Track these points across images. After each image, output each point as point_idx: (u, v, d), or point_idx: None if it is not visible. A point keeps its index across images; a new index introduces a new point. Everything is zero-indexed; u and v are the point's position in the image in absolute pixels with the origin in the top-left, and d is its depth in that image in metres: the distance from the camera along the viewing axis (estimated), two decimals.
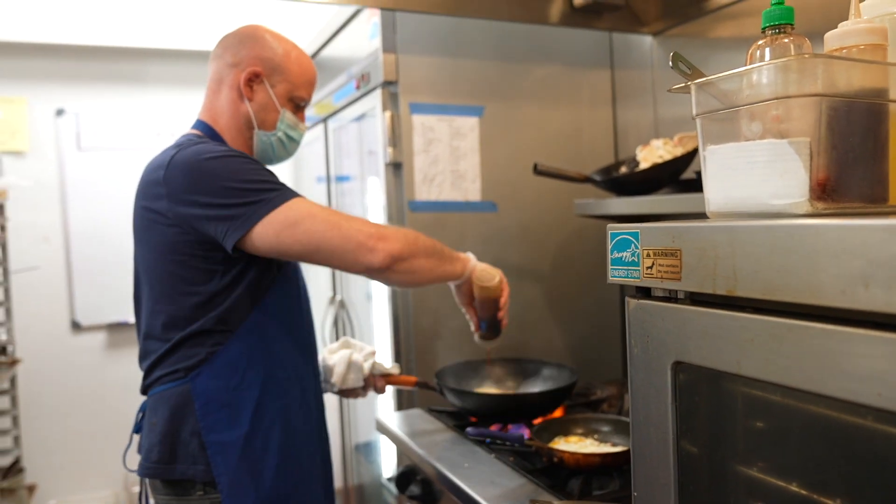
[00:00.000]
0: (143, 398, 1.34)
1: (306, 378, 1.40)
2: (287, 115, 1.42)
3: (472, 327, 1.55)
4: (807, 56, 0.65)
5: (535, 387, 1.70)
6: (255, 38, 1.41)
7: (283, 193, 1.22)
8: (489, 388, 1.71)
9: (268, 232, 1.18)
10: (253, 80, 1.38)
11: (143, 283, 1.33)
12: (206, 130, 1.40)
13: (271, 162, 1.46)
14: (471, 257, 1.47)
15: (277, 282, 1.35)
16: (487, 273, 1.47)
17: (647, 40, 1.97)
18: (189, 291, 1.25)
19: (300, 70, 1.42)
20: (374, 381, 1.54)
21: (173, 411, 1.24)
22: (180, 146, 1.29)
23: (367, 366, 1.51)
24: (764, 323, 0.58)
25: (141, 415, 1.34)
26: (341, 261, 1.22)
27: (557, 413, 1.59)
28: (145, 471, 1.27)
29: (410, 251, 1.25)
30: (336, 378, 1.49)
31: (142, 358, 1.34)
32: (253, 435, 1.26)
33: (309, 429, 1.38)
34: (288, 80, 1.40)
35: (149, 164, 1.35)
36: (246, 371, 1.27)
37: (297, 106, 1.44)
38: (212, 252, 1.24)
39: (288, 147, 1.46)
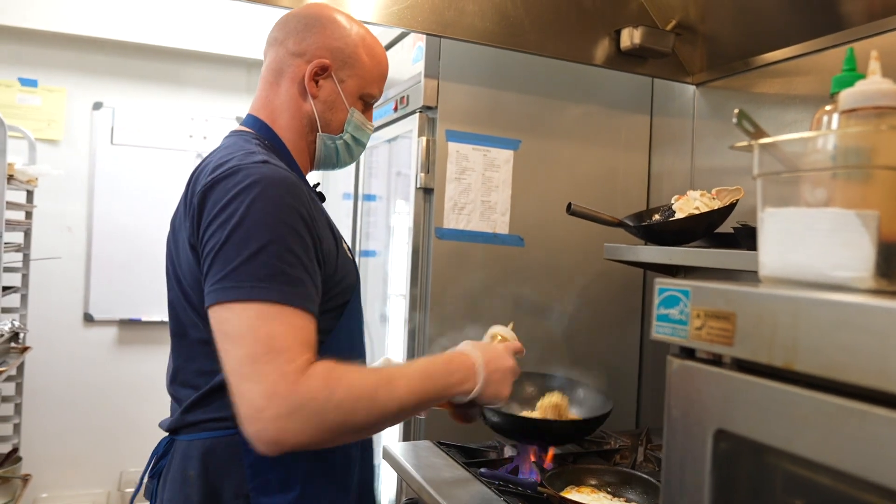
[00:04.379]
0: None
1: None
2: (356, 116, 1.22)
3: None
4: (884, 128, 0.63)
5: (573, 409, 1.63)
6: (323, 21, 1.19)
7: (283, 292, 0.93)
8: (522, 411, 1.63)
9: (215, 318, 0.94)
10: (319, 74, 1.17)
11: (181, 295, 1.09)
12: (264, 131, 1.18)
13: (334, 167, 1.28)
14: (476, 362, 1.11)
15: (344, 314, 1.13)
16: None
17: (689, 89, 1.96)
18: None
19: (374, 62, 1.22)
20: None
21: (218, 465, 1.04)
22: (230, 158, 1.04)
23: None
24: (822, 402, 0.55)
25: (156, 458, 1.13)
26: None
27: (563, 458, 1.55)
28: None
29: (327, 435, 0.91)
30: None
31: (175, 385, 1.12)
32: (304, 498, 1.06)
33: (353, 482, 1.17)
34: (359, 75, 1.20)
35: (200, 168, 1.10)
36: None
37: (367, 104, 1.25)
38: None
39: (354, 151, 1.26)
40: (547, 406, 1.54)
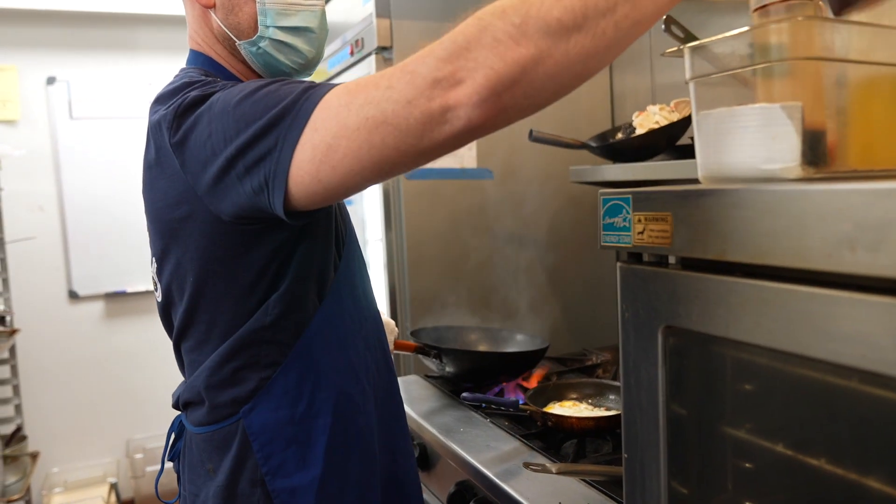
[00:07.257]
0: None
1: (379, 381, 1.08)
2: (268, 2, 0.98)
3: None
4: (800, 19, 0.65)
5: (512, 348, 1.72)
6: None
7: (299, 103, 0.76)
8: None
9: (304, 177, 0.75)
10: None
11: (174, 286, 0.97)
12: (205, 63, 1.02)
13: (290, 73, 1.04)
14: None
15: (344, 256, 1.00)
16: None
17: None
18: (232, 295, 0.92)
19: None
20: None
21: (232, 456, 0.96)
22: (177, 93, 0.90)
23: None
24: (752, 287, 0.58)
25: (173, 439, 1.08)
26: (416, 160, 0.74)
27: (546, 377, 1.62)
28: None
29: (529, 45, 0.67)
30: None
31: (183, 370, 1.06)
32: (329, 473, 0.96)
33: (377, 454, 1.07)
34: None
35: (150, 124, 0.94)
36: (314, 392, 0.96)
37: None
38: (253, 235, 0.87)
39: (297, 44, 1.01)
40: None
